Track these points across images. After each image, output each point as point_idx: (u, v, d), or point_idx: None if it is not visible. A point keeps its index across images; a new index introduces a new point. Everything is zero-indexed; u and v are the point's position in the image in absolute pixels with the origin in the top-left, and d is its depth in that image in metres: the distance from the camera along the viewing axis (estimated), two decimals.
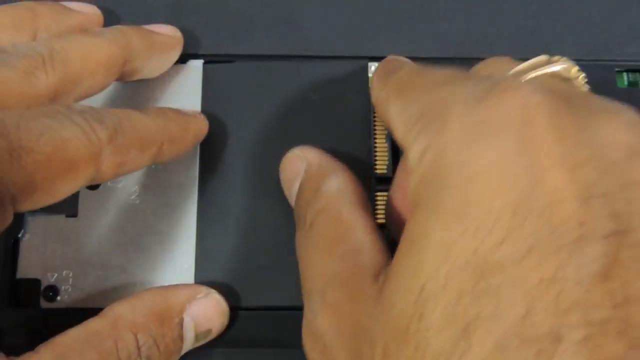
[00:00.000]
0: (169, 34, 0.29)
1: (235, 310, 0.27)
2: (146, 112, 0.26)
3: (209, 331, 0.26)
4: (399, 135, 0.23)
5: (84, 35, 0.26)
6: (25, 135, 0.21)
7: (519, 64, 0.23)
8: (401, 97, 0.24)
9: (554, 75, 0.22)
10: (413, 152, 0.21)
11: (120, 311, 0.24)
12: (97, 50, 0.26)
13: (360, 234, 0.23)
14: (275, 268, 0.28)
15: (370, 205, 0.25)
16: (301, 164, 0.26)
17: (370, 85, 0.30)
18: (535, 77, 0.22)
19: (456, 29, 0.31)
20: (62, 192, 0.22)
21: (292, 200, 0.27)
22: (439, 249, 0.18)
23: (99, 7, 0.31)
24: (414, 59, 0.31)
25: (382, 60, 0.29)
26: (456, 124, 0.20)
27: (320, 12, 0.32)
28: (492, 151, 0.19)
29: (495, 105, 0.19)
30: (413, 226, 0.20)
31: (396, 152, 0.29)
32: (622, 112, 0.20)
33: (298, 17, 0.32)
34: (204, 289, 0.26)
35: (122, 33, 0.27)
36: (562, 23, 0.32)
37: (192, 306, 0.26)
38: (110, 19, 0.31)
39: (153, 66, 0.29)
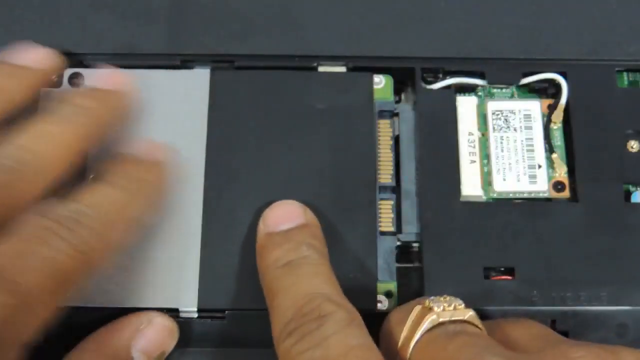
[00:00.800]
0: (121, 84, 0.29)
1: (239, 311, 0.27)
2: (114, 183, 0.26)
3: (162, 354, 0.27)
4: None
5: (50, 124, 0.26)
6: (25, 282, 0.22)
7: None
8: None
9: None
10: None
11: None
12: (69, 141, 0.26)
13: None
14: None
15: None
16: None
17: (374, 96, 0.30)
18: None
19: (456, 29, 0.31)
20: (61, 303, 0.23)
21: None
22: None
23: (99, 7, 0.31)
24: (414, 59, 0.31)
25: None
26: None
27: (321, 12, 0.32)
28: None
29: None
30: None
31: (399, 162, 0.30)
32: None
33: (298, 17, 0.32)
34: (144, 318, 0.27)
35: (86, 110, 0.27)
36: (562, 23, 0.32)
37: (138, 341, 0.26)
38: (111, 18, 0.31)
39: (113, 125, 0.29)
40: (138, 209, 0.26)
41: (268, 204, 0.28)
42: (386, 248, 0.28)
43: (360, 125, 0.30)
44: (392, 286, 0.28)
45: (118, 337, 0.26)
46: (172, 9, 0.32)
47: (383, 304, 0.28)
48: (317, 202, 0.28)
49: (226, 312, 0.28)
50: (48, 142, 0.25)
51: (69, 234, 0.23)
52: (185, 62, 0.31)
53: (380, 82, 0.30)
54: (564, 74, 0.31)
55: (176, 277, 0.28)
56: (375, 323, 0.25)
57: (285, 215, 0.27)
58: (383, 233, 0.29)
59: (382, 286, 0.28)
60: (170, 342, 0.27)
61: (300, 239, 0.26)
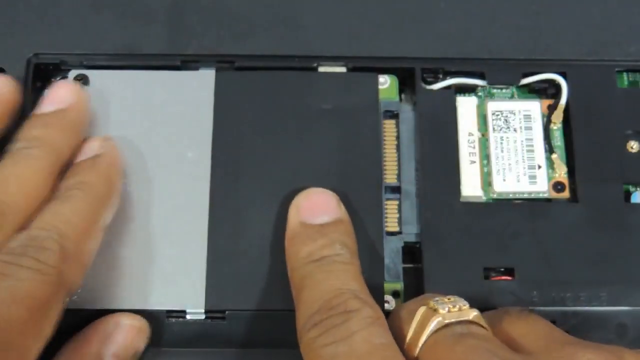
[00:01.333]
0: (70, 97, 0.28)
1: (247, 312, 0.27)
2: (67, 196, 0.25)
3: (135, 353, 0.27)
4: None
5: (13, 167, 0.26)
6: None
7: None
8: None
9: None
10: None
11: None
12: (34, 179, 0.26)
13: None
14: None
15: None
16: None
17: (379, 96, 0.30)
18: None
19: (456, 29, 0.31)
20: (52, 328, 0.23)
21: None
22: None
23: (99, 7, 0.31)
24: (414, 59, 0.31)
25: None
26: None
27: (321, 12, 0.32)
28: None
29: None
30: None
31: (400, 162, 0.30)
32: None
33: (298, 18, 0.32)
34: (110, 322, 0.26)
35: (43, 142, 0.26)
36: (562, 23, 0.32)
37: (109, 347, 0.26)
38: (112, 19, 0.31)
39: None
40: (91, 211, 0.26)
41: (275, 206, 0.28)
42: (392, 248, 0.29)
43: (366, 126, 0.30)
44: (399, 286, 0.28)
45: (88, 347, 0.26)
46: (172, 9, 0.32)
47: (390, 304, 0.28)
48: None
49: (226, 312, 0.27)
50: (13, 185, 0.25)
51: (29, 261, 0.23)
52: (185, 63, 0.31)
53: (386, 82, 0.30)
54: (564, 74, 0.31)
55: (183, 279, 0.28)
56: None
57: (320, 206, 0.27)
58: (389, 233, 0.29)
59: (389, 286, 0.28)
60: (141, 340, 0.27)
61: (336, 237, 0.26)
